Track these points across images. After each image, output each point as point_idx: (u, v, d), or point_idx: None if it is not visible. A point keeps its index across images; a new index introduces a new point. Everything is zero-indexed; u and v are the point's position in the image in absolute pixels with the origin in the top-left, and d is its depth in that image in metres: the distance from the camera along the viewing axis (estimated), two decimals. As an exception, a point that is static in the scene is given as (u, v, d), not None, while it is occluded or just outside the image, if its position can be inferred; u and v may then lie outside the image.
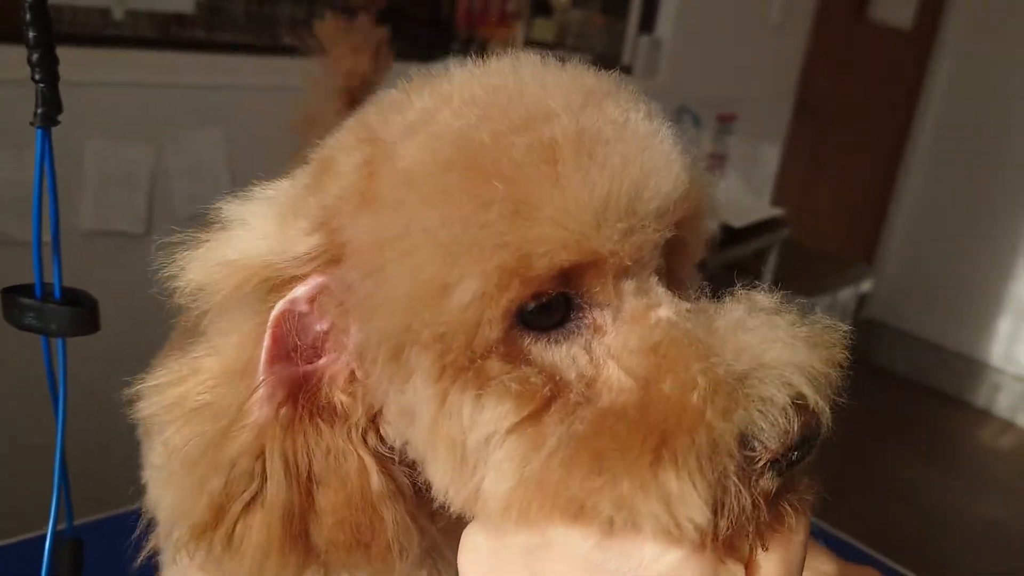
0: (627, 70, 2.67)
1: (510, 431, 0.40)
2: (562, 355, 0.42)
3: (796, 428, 0.39)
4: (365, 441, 0.46)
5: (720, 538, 0.39)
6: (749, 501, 0.38)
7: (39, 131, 0.54)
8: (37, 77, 0.53)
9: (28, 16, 0.52)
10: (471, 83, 0.45)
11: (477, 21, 2.48)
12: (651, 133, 0.43)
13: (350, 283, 0.43)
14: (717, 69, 2.82)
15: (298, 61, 1.87)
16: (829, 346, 0.43)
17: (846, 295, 2.81)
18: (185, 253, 0.44)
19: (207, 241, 0.45)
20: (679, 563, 0.39)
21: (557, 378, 0.41)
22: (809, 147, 3.33)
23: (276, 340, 0.43)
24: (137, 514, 0.55)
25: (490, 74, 0.46)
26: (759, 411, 0.38)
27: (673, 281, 0.47)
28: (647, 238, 0.41)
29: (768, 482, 0.39)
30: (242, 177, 1.65)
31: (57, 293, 0.59)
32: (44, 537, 0.64)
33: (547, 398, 0.40)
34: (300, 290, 0.43)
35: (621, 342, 0.42)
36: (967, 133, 3.71)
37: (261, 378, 0.43)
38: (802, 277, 2.65)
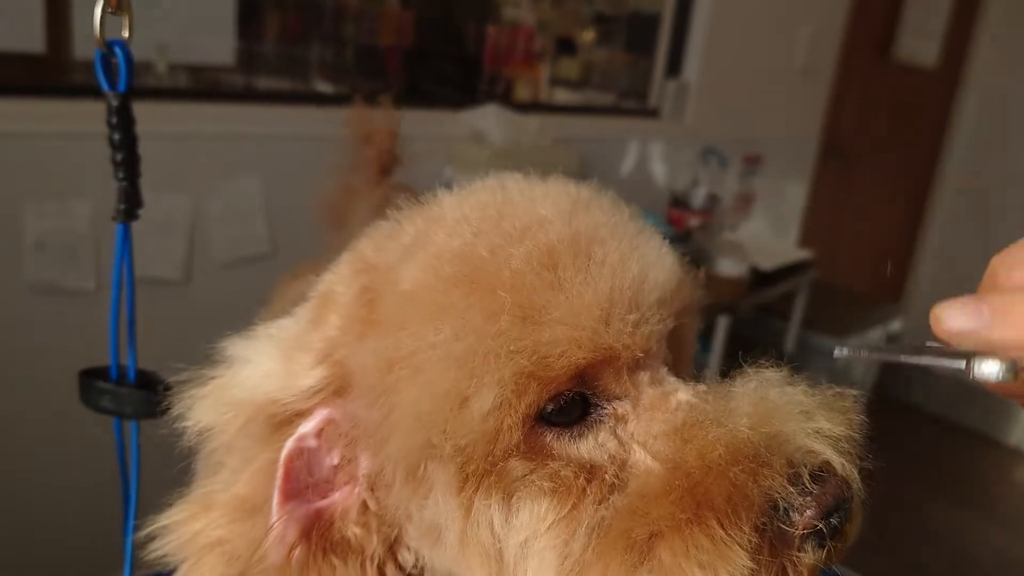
0: (654, 113, 2.70)
1: (551, 527, 0.40)
2: (588, 445, 0.42)
3: (828, 494, 0.39)
4: (383, 572, 0.45)
5: None
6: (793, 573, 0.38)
7: (120, 226, 0.56)
8: (121, 175, 0.56)
9: (114, 119, 0.54)
10: (460, 204, 0.46)
11: (503, 60, 2.52)
12: (639, 231, 0.45)
13: (356, 412, 0.43)
14: (743, 111, 2.83)
15: (331, 111, 1.91)
16: (844, 411, 0.43)
17: (875, 335, 2.80)
18: (192, 392, 0.45)
19: (214, 379, 0.45)
20: None
21: (587, 466, 0.41)
22: (835, 187, 3.33)
23: (288, 478, 0.43)
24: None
25: (477, 193, 0.47)
26: (786, 477, 0.38)
27: (677, 373, 0.47)
28: (653, 329, 0.43)
29: (811, 555, 0.39)
30: (278, 223, 1.68)
31: (132, 376, 0.61)
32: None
33: (583, 487, 0.41)
34: (307, 425, 0.44)
35: (644, 428, 0.42)
36: (993, 170, 3.70)
37: (274, 519, 0.43)
38: (830, 317, 2.65)
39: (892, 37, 3.34)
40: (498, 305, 0.40)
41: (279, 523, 0.43)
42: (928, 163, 3.82)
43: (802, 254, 2.63)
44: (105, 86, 0.54)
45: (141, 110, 1.79)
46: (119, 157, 0.55)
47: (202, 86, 1.96)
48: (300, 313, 0.48)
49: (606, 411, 0.43)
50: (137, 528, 0.47)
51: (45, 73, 1.69)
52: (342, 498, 0.45)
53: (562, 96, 2.78)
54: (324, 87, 2.22)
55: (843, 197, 3.40)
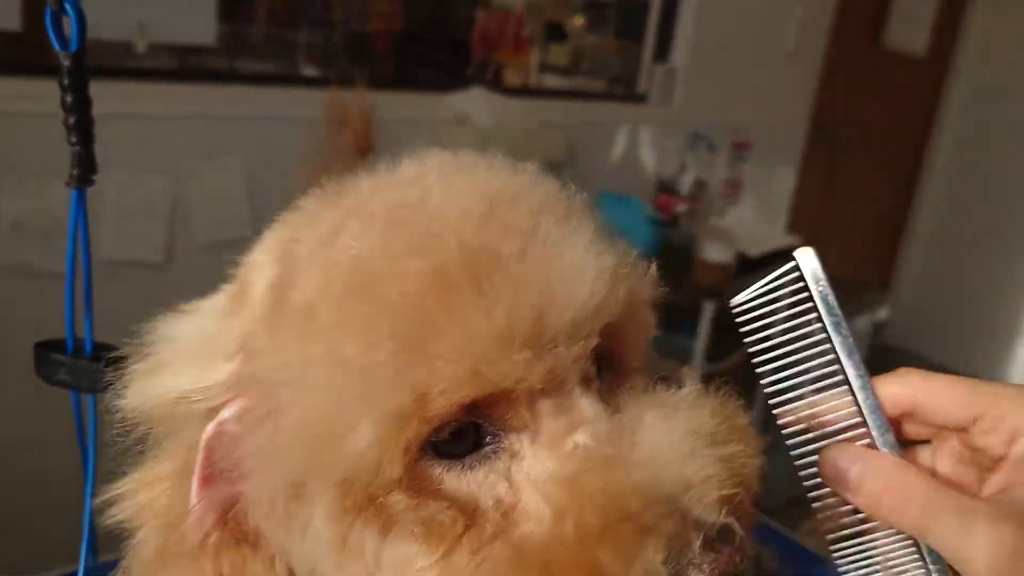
0: (643, 97, 2.68)
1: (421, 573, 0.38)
2: (478, 481, 0.39)
3: (722, 562, 0.35)
4: (292, 571, 0.44)
5: None
6: None
7: (74, 192, 0.55)
8: (73, 140, 0.54)
9: (66, 80, 0.53)
10: (376, 196, 0.42)
11: (493, 45, 2.50)
12: (561, 239, 0.40)
13: (258, 414, 0.41)
14: (732, 96, 2.82)
15: (314, 92, 1.89)
16: (749, 443, 0.41)
17: (863, 322, 2.80)
18: (129, 371, 0.43)
19: (145, 359, 0.44)
20: None
21: (472, 508, 0.39)
22: (824, 173, 3.33)
23: (207, 462, 0.42)
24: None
25: (396, 185, 0.43)
26: (677, 542, 0.35)
27: (618, 373, 0.44)
28: (559, 359, 0.38)
29: None
30: (260, 206, 1.67)
31: (88, 349, 0.59)
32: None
33: (459, 533, 0.38)
34: (228, 411, 0.42)
35: (539, 468, 0.39)
36: (982, 158, 3.70)
37: (193, 502, 0.42)
38: (818, 304, 2.64)
39: (882, 24, 3.33)
40: (383, 331, 0.37)
41: (198, 506, 0.42)
42: (917, 150, 3.82)
43: (790, 240, 2.62)
44: (57, 46, 0.53)
45: (121, 90, 1.77)
46: (72, 120, 0.54)
47: (183, 66, 1.94)
48: (225, 293, 0.45)
49: (502, 444, 0.39)
50: (96, 501, 0.47)
51: (22, 51, 1.66)
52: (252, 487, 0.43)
53: (551, 82, 2.77)
54: (310, 71, 2.20)
55: (832, 184, 3.40)
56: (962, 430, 0.42)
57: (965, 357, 3.73)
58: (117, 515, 0.44)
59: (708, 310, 2.18)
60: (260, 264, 0.43)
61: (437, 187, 0.41)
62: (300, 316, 0.39)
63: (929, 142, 3.82)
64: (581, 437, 0.39)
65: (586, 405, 0.40)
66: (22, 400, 1.65)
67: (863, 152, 3.48)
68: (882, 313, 3.09)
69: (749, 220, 2.72)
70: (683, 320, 2.49)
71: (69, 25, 0.53)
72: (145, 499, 0.44)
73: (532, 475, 0.39)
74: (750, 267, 2.33)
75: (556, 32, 2.79)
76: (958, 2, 3.60)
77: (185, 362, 0.42)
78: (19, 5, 1.60)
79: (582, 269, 0.39)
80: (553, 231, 0.40)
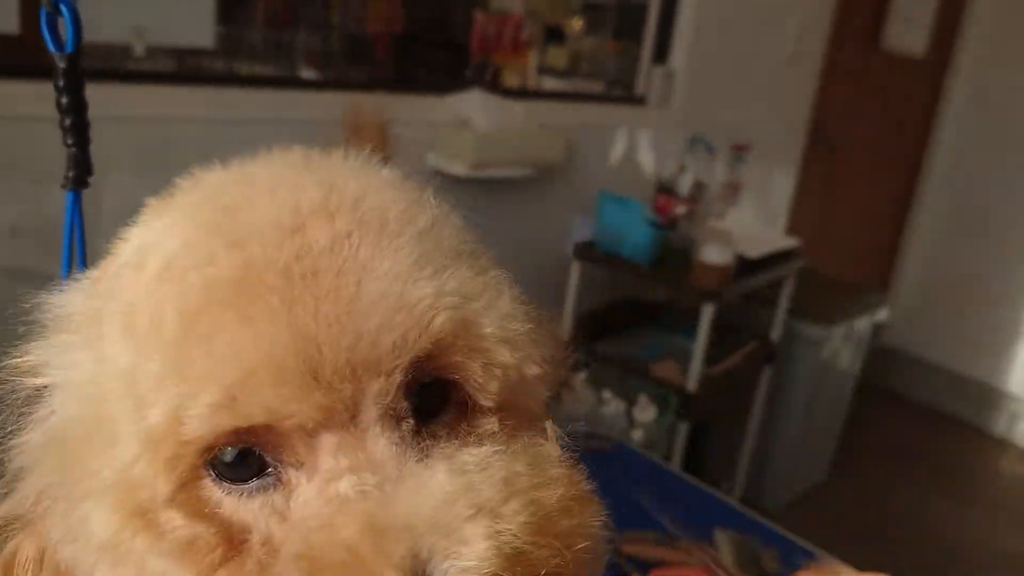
0: (641, 99, 2.68)
1: None
2: (254, 511, 0.37)
3: None
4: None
5: None
6: None
7: (70, 194, 0.54)
8: (69, 142, 0.54)
9: (61, 82, 0.52)
10: (213, 196, 0.40)
11: (491, 47, 2.50)
12: (367, 263, 0.37)
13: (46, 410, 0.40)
14: (731, 98, 2.82)
15: (313, 95, 1.89)
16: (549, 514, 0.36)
17: (862, 324, 2.80)
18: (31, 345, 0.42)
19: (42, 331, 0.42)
20: None
21: (243, 538, 0.37)
22: (824, 175, 3.32)
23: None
24: None
25: (234, 185, 0.41)
26: None
27: (462, 412, 0.40)
28: (337, 395, 0.35)
29: None
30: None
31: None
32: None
33: (216, 562, 0.36)
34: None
35: (309, 508, 0.37)
36: (982, 160, 3.70)
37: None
38: (817, 306, 2.64)
39: (881, 26, 3.33)
40: (156, 344, 0.35)
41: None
42: (916, 152, 3.82)
43: (789, 242, 2.62)
44: (52, 47, 0.52)
45: (119, 93, 1.76)
46: (67, 122, 0.53)
47: (182, 69, 1.94)
48: (100, 267, 0.43)
49: (280, 477, 0.37)
50: None
51: (20, 54, 1.66)
52: None
53: (550, 84, 2.77)
54: (309, 74, 2.20)
55: (832, 185, 3.40)
56: None
57: (965, 358, 3.73)
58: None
59: (707, 312, 2.18)
60: (125, 245, 0.41)
61: (264, 193, 0.39)
62: (102, 318, 0.38)
63: (928, 143, 3.82)
64: (345, 485, 0.36)
65: (380, 447, 0.37)
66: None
67: (863, 153, 3.48)
68: (882, 313, 3.09)
69: (748, 222, 2.71)
70: (682, 322, 2.49)
71: (64, 27, 0.52)
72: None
73: (307, 511, 0.36)
74: (749, 269, 2.33)
75: (555, 34, 2.79)
76: (958, 2, 3.60)
77: (48, 333, 0.41)
78: (17, 8, 1.60)
79: (377, 299, 0.36)
80: (361, 253, 0.37)
